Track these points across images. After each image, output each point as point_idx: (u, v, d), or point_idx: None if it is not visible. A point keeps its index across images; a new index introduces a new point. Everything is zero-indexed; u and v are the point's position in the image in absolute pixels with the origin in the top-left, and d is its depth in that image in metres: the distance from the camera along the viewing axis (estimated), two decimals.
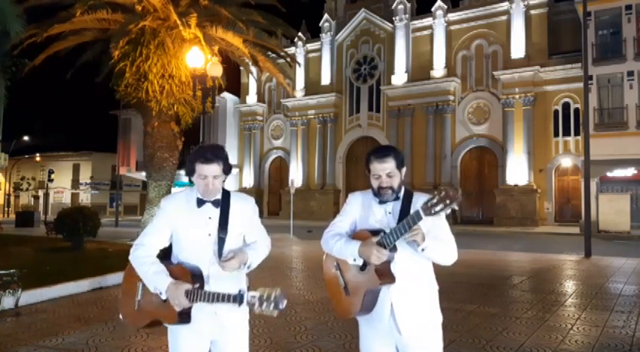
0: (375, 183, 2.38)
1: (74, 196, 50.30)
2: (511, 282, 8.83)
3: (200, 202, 2.38)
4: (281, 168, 39.35)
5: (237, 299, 2.11)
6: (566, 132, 28.20)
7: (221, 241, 2.34)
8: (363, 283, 2.29)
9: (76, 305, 6.65)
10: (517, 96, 28.70)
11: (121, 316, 2.45)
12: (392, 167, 2.35)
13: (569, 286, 8.57)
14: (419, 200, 2.34)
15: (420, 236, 2.19)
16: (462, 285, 8.00)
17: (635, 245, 17.60)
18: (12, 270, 6.56)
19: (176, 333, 2.37)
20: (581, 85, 21.40)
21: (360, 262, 2.28)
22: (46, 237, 15.72)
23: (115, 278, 8.16)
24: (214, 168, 2.32)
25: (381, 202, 2.39)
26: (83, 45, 13.95)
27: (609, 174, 24.80)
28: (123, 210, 43.71)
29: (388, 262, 2.25)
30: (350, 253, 2.29)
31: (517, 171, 28.38)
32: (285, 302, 2.06)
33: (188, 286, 2.22)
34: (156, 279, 2.27)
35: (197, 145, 2.44)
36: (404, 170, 2.41)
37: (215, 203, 2.39)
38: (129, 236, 16.72)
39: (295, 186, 31.29)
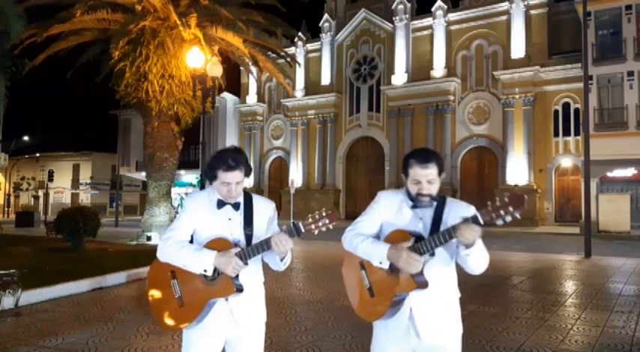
0: (413, 189, 2.24)
1: (74, 196, 50.31)
2: (511, 282, 8.83)
3: (220, 204, 2.38)
4: (281, 168, 39.35)
5: (295, 231, 2.19)
6: (566, 132, 28.19)
7: (248, 237, 2.36)
8: (393, 286, 2.19)
9: (76, 305, 6.65)
10: (517, 96, 28.70)
11: (163, 325, 2.36)
12: (434, 173, 2.22)
13: (569, 286, 8.57)
14: (453, 207, 2.24)
15: (475, 236, 2.05)
16: (462, 285, 7.94)
17: (635, 245, 17.59)
18: (12, 270, 6.56)
19: (190, 335, 2.34)
20: (581, 84, 21.41)
21: (386, 266, 2.19)
22: (46, 237, 15.71)
23: (115, 278, 8.17)
24: (237, 175, 2.33)
25: (413, 207, 2.28)
26: (83, 45, 13.96)
27: (609, 174, 24.79)
28: (123, 210, 43.71)
29: (422, 265, 2.17)
30: (377, 255, 2.19)
31: (517, 171, 28.38)
32: (334, 213, 2.20)
33: (235, 250, 2.24)
34: (199, 255, 2.24)
35: (218, 150, 2.41)
36: (443, 175, 2.29)
37: (235, 206, 2.39)
38: (129, 236, 16.71)
39: (295, 186, 31.41)
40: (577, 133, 26.91)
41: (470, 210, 2.16)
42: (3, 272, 6.52)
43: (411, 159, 2.25)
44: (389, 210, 2.34)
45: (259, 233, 2.39)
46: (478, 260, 2.20)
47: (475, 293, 7.58)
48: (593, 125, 23.52)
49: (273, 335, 5.06)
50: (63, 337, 5.02)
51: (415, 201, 2.25)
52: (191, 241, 2.42)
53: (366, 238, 2.28)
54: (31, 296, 6.63)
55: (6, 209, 50.55)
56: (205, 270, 2.23)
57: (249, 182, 39.88)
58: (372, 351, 2.40)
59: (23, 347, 4.69)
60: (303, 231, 2.20)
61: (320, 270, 9.91)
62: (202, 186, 15.38)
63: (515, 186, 28.26)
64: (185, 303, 2.29)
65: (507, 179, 28.66)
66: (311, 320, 5.75)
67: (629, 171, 24.50)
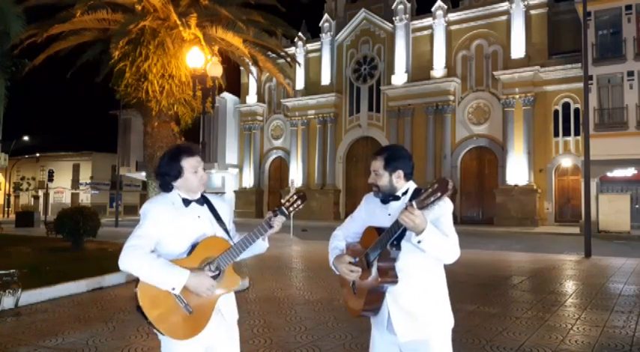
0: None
1: (74, 196, 50.33)
2: (511, 282, 8.83)
3: (186, 202, 2.36)
4: (281, 168, 39.36)
5: (280, 213, 2.36)
6: (566, 132, 28.21)
7: (226, 231, 2.40)
8: (366, 282, 2.28)
9: (76, 305, 6.65)
10: (517, 96, 28.71)
11: (177, 337, 2.25)
12: (378, 166, 2.37)
13: (569, 286, 8.57)
14: None
15: (417, 221, 2.05)
16: (462, 285, 8.00)
17: (635, 245, 17.60)
18: (12, 270, 6.58)
19: (170, 342, 2.26)
20: (581, 84, 21.41)
21: (337, 272, 2.40)
22: (46, 237, 15.72)
23: (114, 278, 8.17)
24: (199, 159, 2.38)
25: (384, 202, 2.37)
26: (83, 45, 13.94)
27: (609, 174, 24.80)
28: (123, 210, 43.70)
29: (392, 260, 2.23)
30: (330, 260, 2.44)
31: (517, 171, 28.39)
32: (304, 195, 2.41)
33: (208, 273, 2.24)
34: (171, 272, 2.15)
35: (166, 151, 2.45)
36: (397, 173, 2.33)
37: (199, 202, 2.40)
38: (129, 236, 16.67)
39: (295, 186, 31.36)
40: (577, 133, 26.92)
41: None
42: (3, 272, 6.52)
43: None
44: (367, 209, 2.48)
45: (229, 227, 2.44)
46: (435, 247, 2.15)
47: (475, 293, 7.58)
48: (593, 125, 23.53)
49: (273, 335, 5.06)
50: (63, 337, 5.02)
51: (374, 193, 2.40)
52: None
53: (332, 242, 2.51)
54: (31, 296, 6.63)
55: (6, 209, 50.56)
56: (173, 288, 2.15)
57: (249, 182, 39.90)
58: (370, 349, 2.47)
59: (23, 347, 4.69)
60: (286, 213, 2.37)
61: (320, 270, 9.91)
62: None
63: (515, 186, 28.29)
64: (194, 310, 2.22)
65: (507, 179, 28.67)
66: (311, 320, 5.75)
67: (629, 171, 24.51)
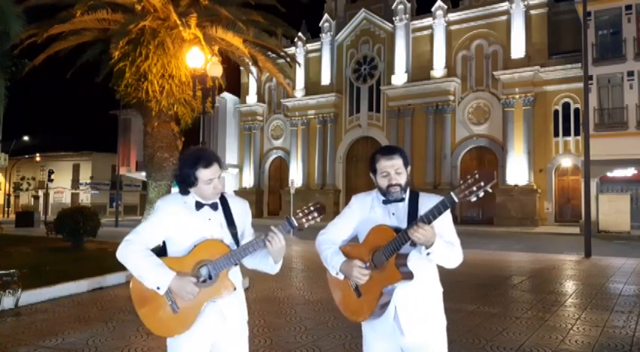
0: (383, 182, 2.32)
1: (74, 196, 50.32)
2: (511, 282, 8.83)
3: (199, 205, 2.36)
4: (281, 168, 39.36)
5: (289, 226, 2.24)
6: (566, 132, 28.21)
7: (234, 236, 2.37)
8: (379, 282, 2.23)
9: (76, 305, 6.65)
10: (517, 96, 28.71)
11: (160, 333, 2.30)
12: (400, 164, 2.31)
13: (569, 286, 8.57)
14: (426, 200, 2.29)
15: (428, 235, 2.07)
16: (462, 285, 8.00)
17: (635, 245, 17.59)
18: (12, 270, 6.58)
19: (176, 342, 2.30)
20: (581, 84, 21.41)
21: (341, 276, 2.33)
22: (46, 237, 15.72)
23: (114, 278, 8.17)
24: (217, 168, 2.33)
25: (385, 202, 2.34)
26: (83, 45, 13.93)
27: (609, 174, 24.80)
28: (123, 210, 43.70)
29: (405, 256, 2.22)
30: (334, 266, 2.34)
31: (517, 171, 28.39)
32: (322, 206, 2.26)
33: (193, 279, 2.21)
34: (158, 272, 2.20)
35: (185, 153, 2.39)
36: (409, 169, 2.37)
37: (213, 206, 2.38)
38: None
39: (295, 186, 31.40)
40: (577, 133, 26.92)
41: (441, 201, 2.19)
42: (3, 272, 6.53)
43: (377, 154, 2.36)
44: (361, 211, 2.42)
45: (242, 232, 2.41)
46: (443, 258, 2.23)
47: (475, 293, 7.58)
48: (593, 125, 23.53)
49: (273, 335, 5.06)
50: (63, 337, 5.02)
51: (387, 194, 2.31)
52: (164, 247, 2.37)
53: (329, 247, 2.39)
54: (31, 296, 6.63)
55: (6, 209, 50.56)
56: (158, 288, 2.20)
57: (249, 182, 39.90)
58: (363, 349, 2.45)
59: (23, 347, 4.69)
60: (296, 225, 2.26)
61: (320, 270, 9.90)
62: None
63: (515, 186, 28.29)
64: (180, 309, 2.25)
65: (507, 179, 28.67)
66: (311, 320, 5.76)
67: (629, 171, 24.51)
